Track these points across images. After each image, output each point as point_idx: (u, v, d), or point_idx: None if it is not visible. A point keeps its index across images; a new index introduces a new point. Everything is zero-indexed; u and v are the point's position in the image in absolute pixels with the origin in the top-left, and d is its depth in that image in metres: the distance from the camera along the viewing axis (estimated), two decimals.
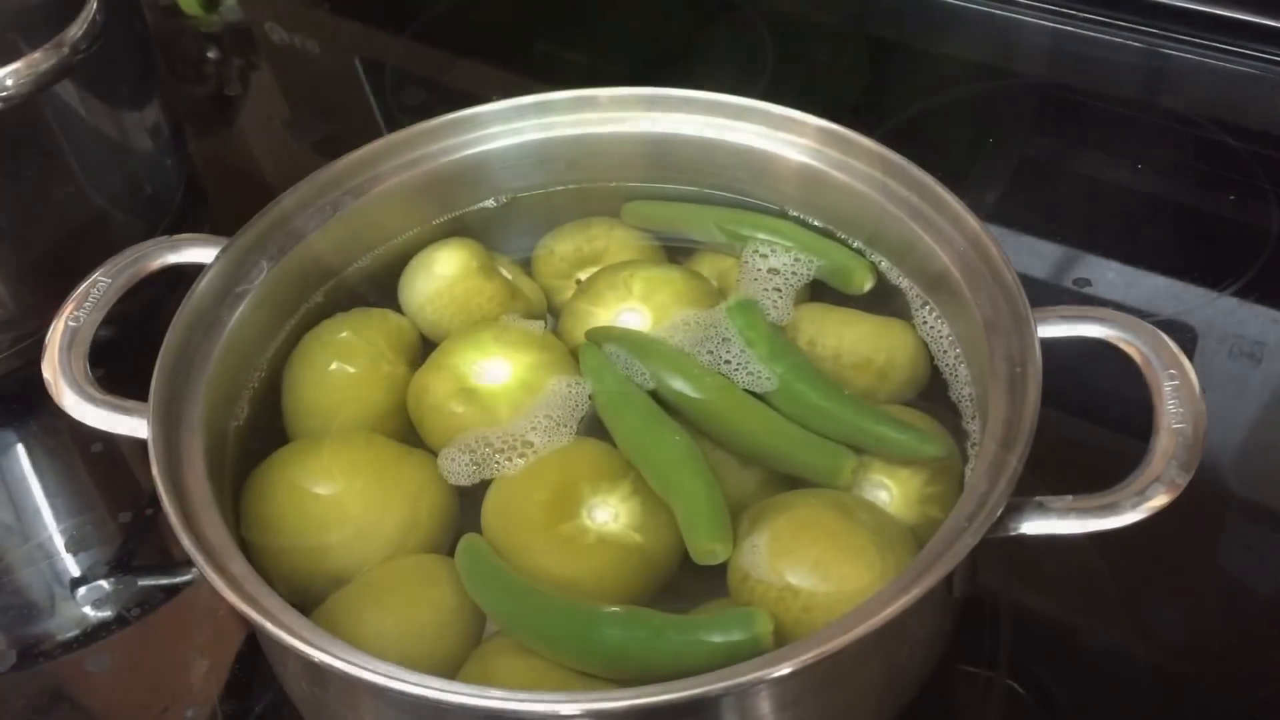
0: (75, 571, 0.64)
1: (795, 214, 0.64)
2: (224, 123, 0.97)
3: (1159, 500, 0.45)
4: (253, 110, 0.97)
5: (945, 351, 0.58)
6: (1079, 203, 0.79)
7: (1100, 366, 0.56)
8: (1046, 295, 0.72)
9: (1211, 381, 0.66)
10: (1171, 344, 0.50)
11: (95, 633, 0.61)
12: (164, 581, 0.63)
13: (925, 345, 0.58)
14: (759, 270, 0.61)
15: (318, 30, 1.03)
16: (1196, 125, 0.83)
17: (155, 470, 0.48)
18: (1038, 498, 0.46)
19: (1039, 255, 0.75)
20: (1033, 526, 0.46)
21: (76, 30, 0.68)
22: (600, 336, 0.58)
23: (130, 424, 0.51)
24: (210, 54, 1.02)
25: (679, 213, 0.66)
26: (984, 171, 0.82)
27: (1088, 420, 0.66)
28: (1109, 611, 0.58)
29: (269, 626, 0.43)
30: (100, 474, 0.70)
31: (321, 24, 1.04)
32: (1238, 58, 0.86)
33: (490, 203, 0.67)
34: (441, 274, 0.61)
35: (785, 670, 0.41)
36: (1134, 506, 0.45)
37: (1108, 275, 0.73)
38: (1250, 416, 0.66)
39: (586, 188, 0.67)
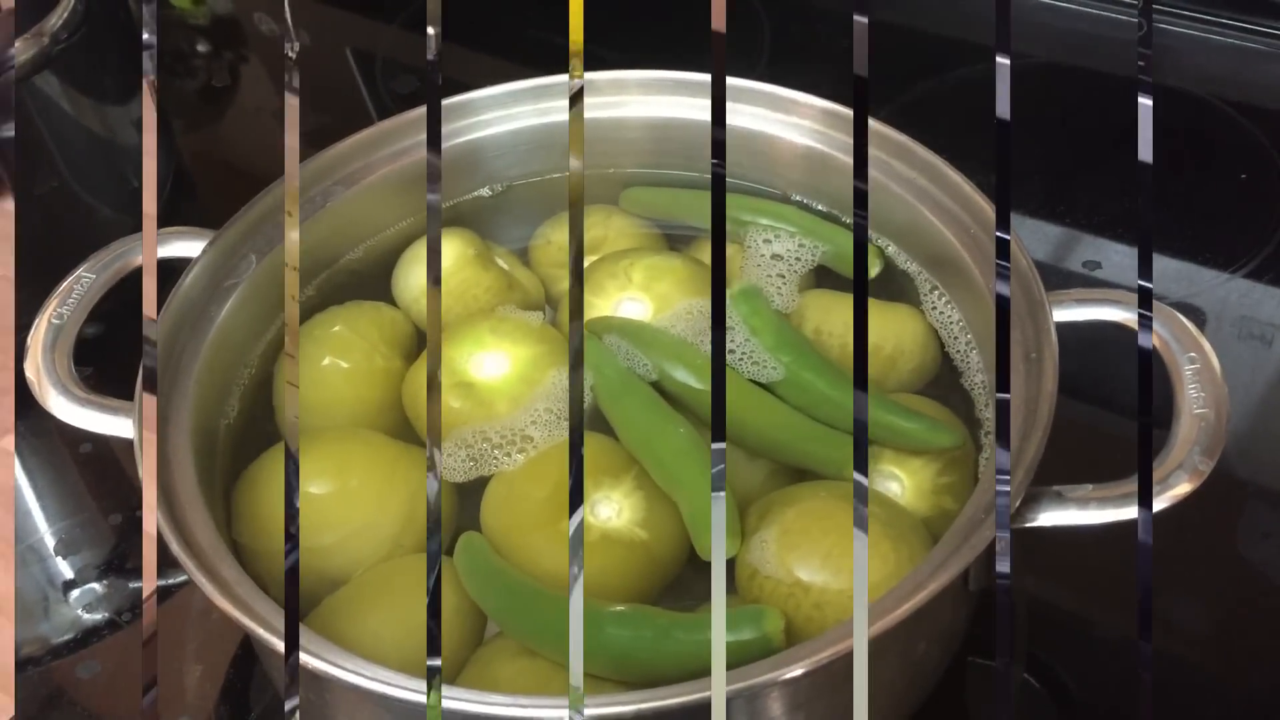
0: (66, 574, 0.63)
1: (798, 198, 0.64)
2: (213, 116, 0.96)
3: (1182, 488, 0.44)
4: (242, 102, 0.96)
5: (956, 338, 0.57)
6: (1086, 184, 0.78)
7: (1110, 351, 0.54)
8: (1055, 279, 0.71)
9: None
10: (1191, 326, 0.49)
11: (87, 637, 0.60)
12: (157, 584, 0.62)
13: (935, 331, 0.57)
14: (762, 257, 0.60)
15: (307, 20, 1.02)
16: (1206, 104, 0.82)
17: (142, 471, 0.47)
18: (1056, 487, 0.45)
19: (1046, 238, 0.74)
20: (1051, 517, 0.45)
21: (56, 20, 0.67)
22: (600, 327, 0.57)
23: (117, 424, 0.51)
24: (199, 47, 1.01)
25: (679, 199, 0.65)
26: (987, 153, 0.81)
27: (1098, 407, 0.65)
28: (1126, 603, 0.57)
29: (261, 632, 0.43)
30: (90, 475, 0.69)
31: (311, 14, 1.03)
32: (1242, 33, 0.86)
33: (485, 191, 0.66)
34: None
35: (798, 671, 0.40)
36: (1157, 495, 0.44)
37: (1116, 258, 0.73)
38: (1263, 400, 0.65)
39: (584, 174, 0.66)
